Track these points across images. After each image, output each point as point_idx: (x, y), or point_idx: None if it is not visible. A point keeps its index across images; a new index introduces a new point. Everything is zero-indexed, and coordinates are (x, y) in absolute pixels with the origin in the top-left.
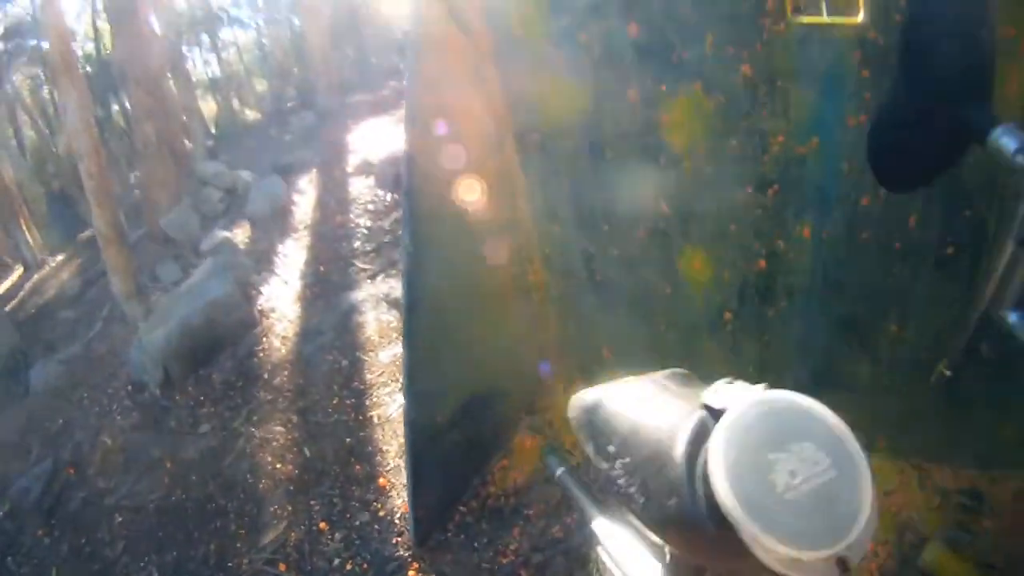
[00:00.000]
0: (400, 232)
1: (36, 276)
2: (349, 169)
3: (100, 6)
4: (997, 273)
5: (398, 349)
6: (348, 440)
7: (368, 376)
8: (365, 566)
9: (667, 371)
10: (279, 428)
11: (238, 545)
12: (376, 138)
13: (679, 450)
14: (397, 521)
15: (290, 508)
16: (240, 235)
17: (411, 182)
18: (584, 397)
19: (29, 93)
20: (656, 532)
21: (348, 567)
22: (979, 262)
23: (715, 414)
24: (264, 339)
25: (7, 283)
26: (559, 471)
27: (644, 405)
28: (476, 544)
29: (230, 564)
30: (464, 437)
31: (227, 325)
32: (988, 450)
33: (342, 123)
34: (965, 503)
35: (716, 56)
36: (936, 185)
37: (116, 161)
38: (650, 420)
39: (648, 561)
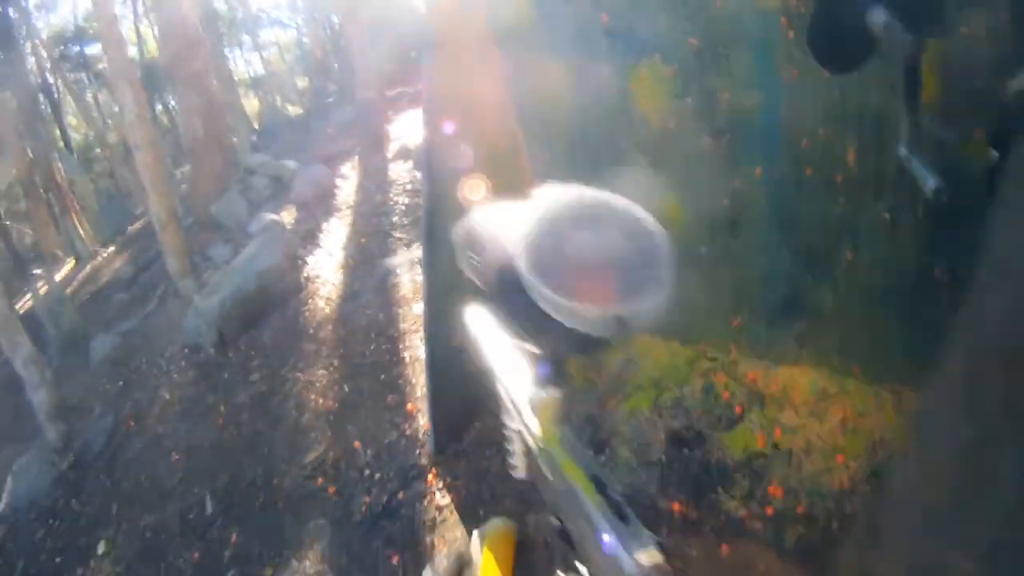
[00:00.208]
0: None
1: (88, 266)
2: (388, 155)
3: (140, 11)
4: None
5: None
6: (383, 376)
7: (402, 326)
8: (391, 474)
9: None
10: (322, 371)
11: (282, 466)
12: (414, 126)
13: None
14: (420, 437)
15: (329, 434)
16: (287, 217)
17: (429, 153)
18: (463, 222)
19: (74, 96)
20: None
21: (376, 476)
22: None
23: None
24: (309, 301)
25: (62, 272)
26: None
27: (500, 223)
28: (487, 453)
29: (275, 482)
30: None
31: (276, 291)
32: None
33: (381, 114)
34: None
35: (669, 32)
36: (866, 123)
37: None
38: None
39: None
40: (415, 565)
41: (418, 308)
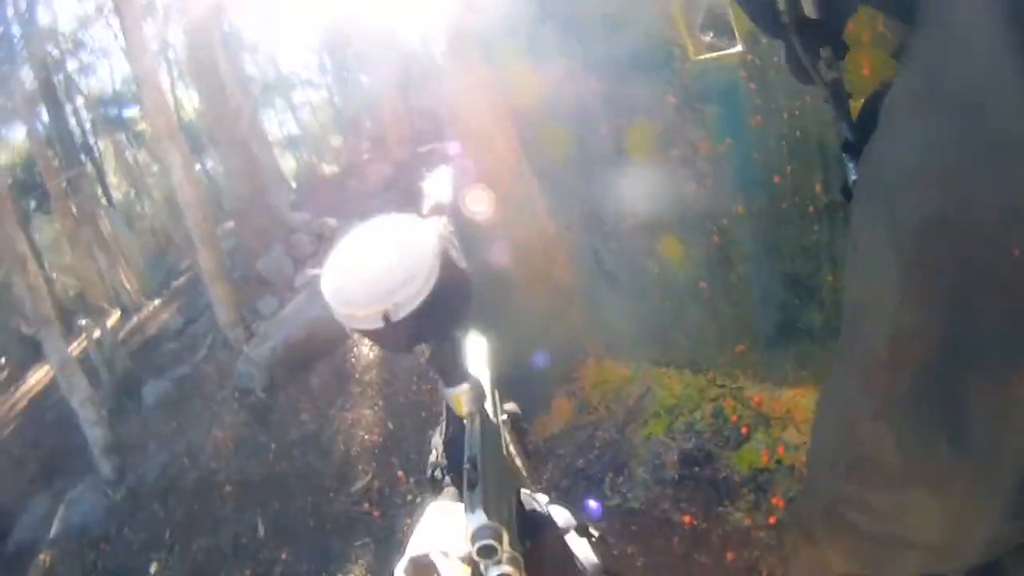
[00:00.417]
0: None
1: (135, 318)
2: (424, 211)
3: (176, 75)
4: None
5: None
6: (423, 414)
7: None
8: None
9: None
10: (367, 411)
11: (330, 495)
12: (446, 182)
13: None
14: None
15: (375, 465)
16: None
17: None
18: None
19: (115, 156)
20: None
21: (418, 500)
22: None
23: None
24: (355, 348)
25: (109, 323)
26: None
27: None
28: None
29: (323, 508)
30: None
31: (323, 339)
32: None
33: (416, 171)
34: None
35: (651, 94)
36: (828, 156)
37: None
38: None
39: None
40: None
41: None
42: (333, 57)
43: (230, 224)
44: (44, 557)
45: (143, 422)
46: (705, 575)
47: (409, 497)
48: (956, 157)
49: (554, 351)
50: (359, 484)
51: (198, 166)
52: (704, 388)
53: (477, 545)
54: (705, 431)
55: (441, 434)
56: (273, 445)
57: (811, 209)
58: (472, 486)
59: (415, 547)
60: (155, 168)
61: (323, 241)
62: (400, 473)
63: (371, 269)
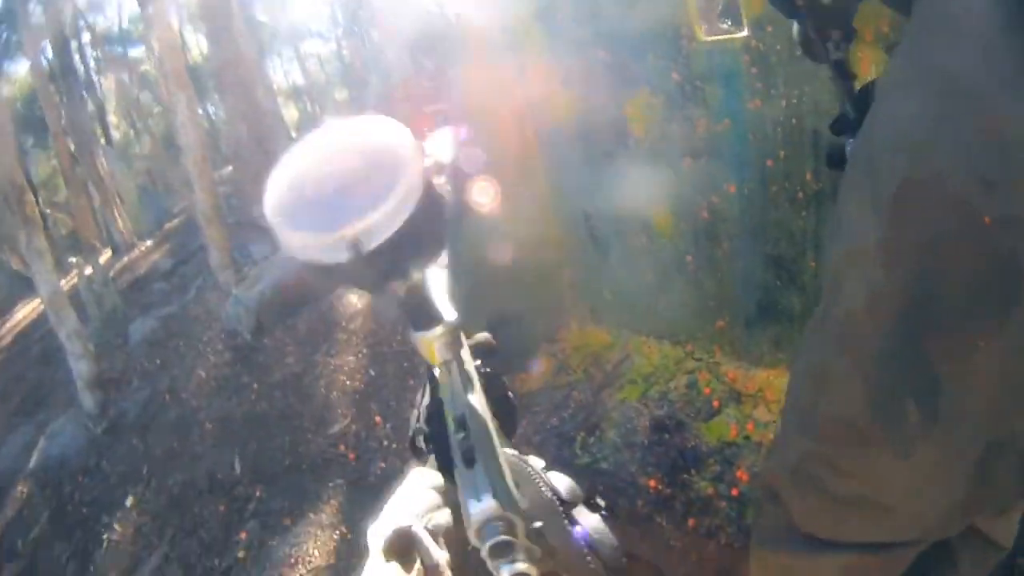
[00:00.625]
0: None
1: (126, 257)
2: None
3: (186, 17)
4: None
5: None
6: (405, 364)
7: None
8: (406, 444)
9: None
10: (351, 357)
11: (308, 436)
12: (448, 143)
13: None
14: None
15: (354, 410)
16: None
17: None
18: None
19: (118, 96)
20: None
21: (393, 446)
22: None
23: None
24: (344, 296)
25: (101, 260)
26: None
27: None
28: None
29: (300, 449)
30: None
31: (313, 285)
32: None
33: (418, 131)
34: None
35: (655, 68)
36: (820, 145)
37: None
38: None
39: None
40: None
41: None
42: (344, 10)
43: (228, 170)
44: (22, 488)
45: (128, 358)
46: (666, 537)
47: (385, 443)
48: (936, 129)
49: (539, 312)
50: (337, 427)
51: (200, 110)
52: (681, 360)
53: (489, 543)
54: (678, 401)
55: (424, 394)
56: (255, 386)
57: (800, 195)
58: (469, 461)
59: (397, 517)
60: (156, 110)
61: None
62: (378, 419)
63: (335, 183)
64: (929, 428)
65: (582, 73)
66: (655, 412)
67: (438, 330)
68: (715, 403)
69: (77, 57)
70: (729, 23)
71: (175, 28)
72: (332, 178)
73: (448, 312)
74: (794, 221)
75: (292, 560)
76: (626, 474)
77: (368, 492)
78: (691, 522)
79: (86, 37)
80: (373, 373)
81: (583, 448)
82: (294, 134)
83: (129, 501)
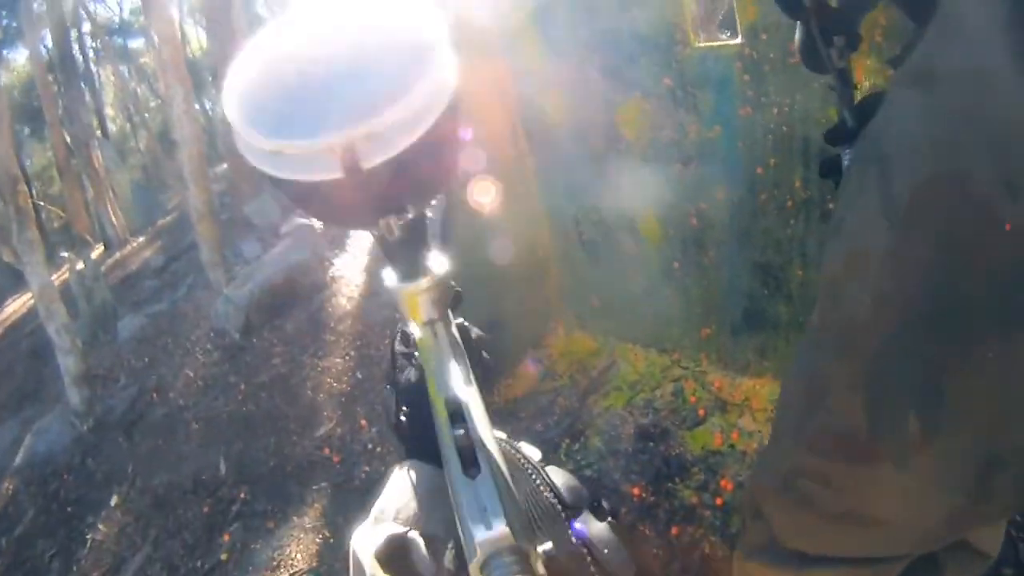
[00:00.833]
0: None
1: (118, 253)
2: None
3: (186, 10)
4: None
5: None
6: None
7: None
8: (390, 448)
9: None
10: (338, 360)
11: (294, 438)
12: None
13: None
14: None
15: (339, 412)
16: (316, 222)
17: None
18: None
19: (116, 88)
20: None
21: (377, 450)
22: None
23: None
24: (333, 298)
25: (92, 255)
26: None
27: None
28: None
29: (285, 451)
30: None
31: (303, 285)
32: None
33: None
34: None
35: (648, 73)
36: (810, 154)
37: None
38: None
39: None
40: None
41: None
42: None
43: (223, 167)
44: (8, 485)
45: (116, 355)
46: (649, 545)
47: (370, 446)
48: (955, 129)
49: (526, 317)
50: (322, 429)
51: (197, 105)
52: (667, 368)
53: None
54: (663, 409)
55: (398, 362)
56: (242, 386)
57: (789, 203)
58: (470, 465)
59: (387, 523)
60: (153, 104)
61: None
62: (363, 422)
63: (330, 71)
64: (930, 439)
65: (574, 77)
66: (640, 420)
67: (424, 283)
68: (700, 412)
69: (76, 47)
70: (728, 34)
71: (175, 20)
72: (327, 64)
73: (438, 263)
74: (782, 229)
75: (275, 563)
76: (610, 481)
77: (352, 496)
78: (675, 531)
79: (86, 27)
80: (360, 376)
81: (567, 455)
82: None
83: (114, 500)
